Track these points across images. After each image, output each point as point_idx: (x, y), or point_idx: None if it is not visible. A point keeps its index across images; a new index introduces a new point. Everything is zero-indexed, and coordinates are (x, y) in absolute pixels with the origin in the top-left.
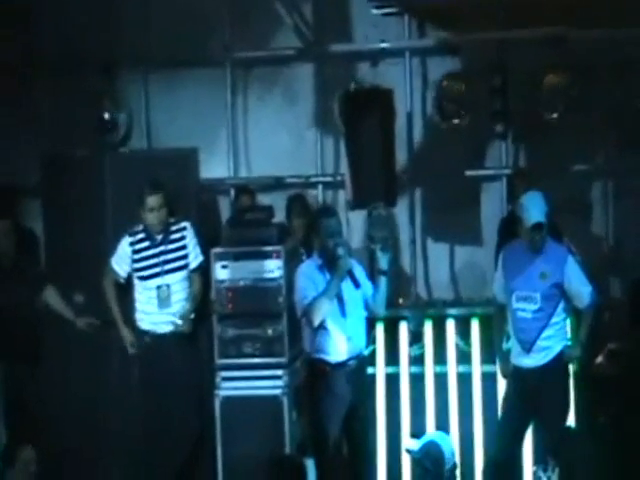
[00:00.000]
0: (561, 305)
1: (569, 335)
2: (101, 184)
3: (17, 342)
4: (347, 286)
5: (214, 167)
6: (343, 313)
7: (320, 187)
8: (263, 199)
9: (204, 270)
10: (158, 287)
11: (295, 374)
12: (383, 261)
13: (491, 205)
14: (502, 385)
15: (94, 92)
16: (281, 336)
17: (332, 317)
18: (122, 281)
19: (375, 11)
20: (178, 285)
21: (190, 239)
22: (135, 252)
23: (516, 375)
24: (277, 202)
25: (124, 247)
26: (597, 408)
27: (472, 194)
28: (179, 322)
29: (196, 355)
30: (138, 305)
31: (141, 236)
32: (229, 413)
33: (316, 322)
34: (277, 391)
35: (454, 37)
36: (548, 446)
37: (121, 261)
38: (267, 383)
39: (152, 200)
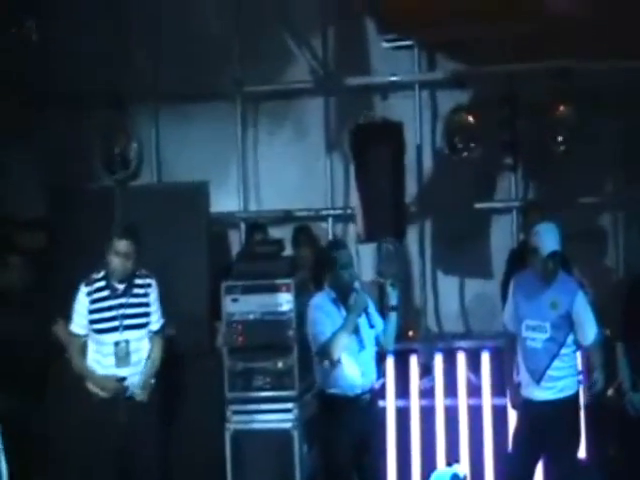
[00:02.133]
0: (571, 337)
1: (579, 368)
2: (111, 218)
3: (25, 377)
4: (362, 320)
5: (224, 200)
6: (358, 348)
7: (330, 220)
8: (273, 232)
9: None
10: (116, 343)
11: (306, 407)
12: (393, 296)
13: (501, 237)
14: (513, 418)
15: (105, 125)
16: (291, 369)
17: (347, 351)
18: (86, 339)
19: (385, 44)
20: (137, 343)
21: (154, 298)
22: (93, 302)
23: (526, 407)
24: (287, 235)
25: (81, 300)
26: (608, 441)
27: (482, 226)
28: (139, 393)
29: (155, 416)
30: (91, 363)
31: (100, 284)
32: (239, 446)
33: (335, 357)
34: (287, 424)
35: (463, 70)
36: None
37: (80, 318)
38: (277, 416)
39: (121, 244)
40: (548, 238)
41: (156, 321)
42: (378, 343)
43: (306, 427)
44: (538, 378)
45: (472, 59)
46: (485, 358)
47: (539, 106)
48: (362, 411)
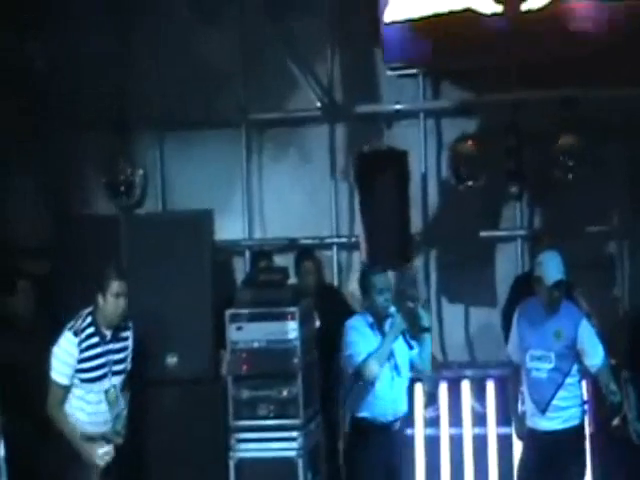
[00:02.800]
0: (576, 366)
1: (585, 397)
2: (116, 245)
3: (26, 402)
4: (397, 346)
5: (229, 228)
6: (393, 374)
7: (335, 248)
8: (278, 260)
9: None
10: (106, 391)
11: (310, 435)
12: (426, 319)
13: (506, 266)
14: (518, 447)
15: (109, 153)
16: (296, 397)
17: (382, 377)
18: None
19: (390, 72)
20: (119, 389)
21: (131, 341)
22: (82, 351)
23: (532, 437)
24: (292, 263)
25: (69, 349)
26: (613, 471)
27: (487, 255)
28: (117, 439)
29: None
30: (73, 410)
31: (90, 331)
32: (243, 475)
33: (370, 379)
34: (292, 453)
35: (468, 98)
36: None
37: (66, 367)
38: (282, 445)
39: (120, 285)
40: (552, 267)
41: (130, 362)
42: (413, 367)
43: (311, 455)
44: (543, 408)
45: (477, 88)
46: (490, 387)
47: (544, 134)
48: (391, 438)
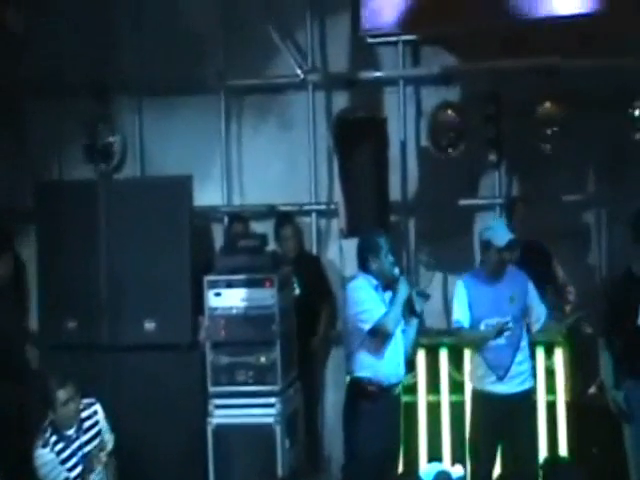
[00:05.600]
0: (525, 327)
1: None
2: (95, 211)
3: (2, 361)
4: None
5: (208, 194)
6: (396, 337)
7: (314, 215)
8: (256, 227)
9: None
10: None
11: (288, 402)
12: (419, 303)
13: None
14: None
15: (88, 118)
16: (274, 364)
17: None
18: None
19: (370, 40)
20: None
21: (102, 420)
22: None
23: (488, 401)
24: (270, 230)
25: (48, 461)
26: (590, 439)
27: (465, 223)
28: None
29: None
30: None
31: (54, 439)
32: (222, 441)
33: (390, 333)
34: (270, 419)
35: (448, 66)
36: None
37: (55, 472)
38: (260, 411)
39: (64, 392)
40: (502, 230)
41: (108, 440)
42: None
43: (289, 421)
44: (502, 375)
45: (458, 56)
46: (467, 354)
47: (524, 103)
48: (393, 401)
